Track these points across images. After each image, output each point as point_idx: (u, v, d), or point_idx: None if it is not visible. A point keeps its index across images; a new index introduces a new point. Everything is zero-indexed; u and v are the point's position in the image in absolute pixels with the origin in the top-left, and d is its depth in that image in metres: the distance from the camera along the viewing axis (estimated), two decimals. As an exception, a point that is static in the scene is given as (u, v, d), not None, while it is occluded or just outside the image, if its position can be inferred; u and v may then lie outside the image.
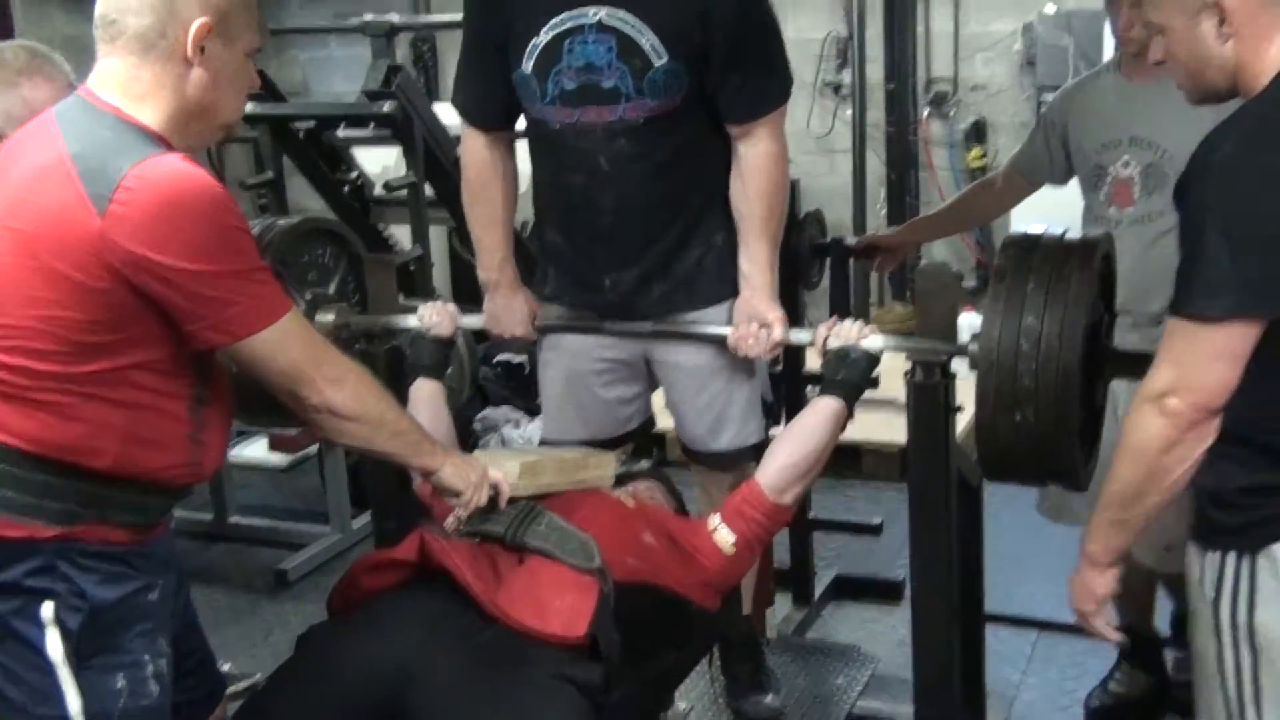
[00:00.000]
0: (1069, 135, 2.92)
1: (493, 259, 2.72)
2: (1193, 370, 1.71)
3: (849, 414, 2.44)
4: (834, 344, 2.42)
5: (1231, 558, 1.82)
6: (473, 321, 2.76)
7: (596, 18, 2.38)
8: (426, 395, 2.66)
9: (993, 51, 6.13)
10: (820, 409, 2.42)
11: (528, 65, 2.45)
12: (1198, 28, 1.79)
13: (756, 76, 2.46)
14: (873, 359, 2.41)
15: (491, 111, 2.63)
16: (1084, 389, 2.05)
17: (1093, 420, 2.19)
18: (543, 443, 2.91)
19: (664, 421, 2.94)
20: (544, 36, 2.42)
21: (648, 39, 2.37)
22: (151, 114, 1.81)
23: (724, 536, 2.36)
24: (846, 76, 6.26)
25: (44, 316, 1.72)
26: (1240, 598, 1.82)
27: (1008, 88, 6.13)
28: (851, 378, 2.40)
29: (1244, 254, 1.66)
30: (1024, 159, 3.06)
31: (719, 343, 2.60)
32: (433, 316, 2.68)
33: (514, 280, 2.73)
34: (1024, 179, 3.09)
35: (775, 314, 2.54)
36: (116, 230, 1.68)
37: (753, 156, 2.51)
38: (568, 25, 2.40)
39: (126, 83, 1.81)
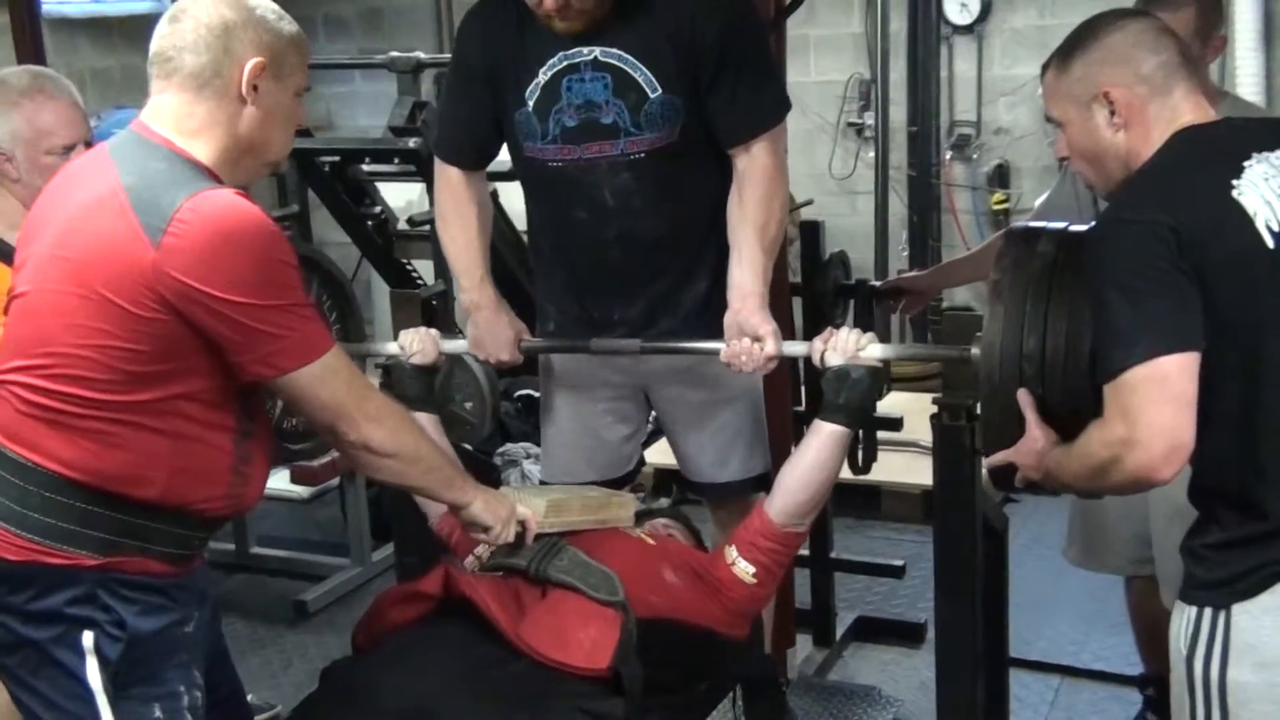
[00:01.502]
0: None
1: (471, 279, 2.65)
2: (1141, 419, 1.69)
3: (856, 434, 2.37)
4: (832, 359, 2.32)
5: (1207, 613, 1.80)
6: (455, 346, 2.67)
7: (591, 55, 2.43)
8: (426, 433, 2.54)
9: (1016, 95, 6.15)
10: (824, 437, 2.34)
11: (529, 104, 2.49)
12: (1091, 119, 1.91)
13: (747, 98, 2.47)
14: (876, 374, 2.32)
15: (471, 151, 2.65)
16: (1095, 404, 1.93)
17: None
18: (543, 484, 2.88)
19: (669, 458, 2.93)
20: (543, 76, 2.46)
21: (641, 73, 2.42)
22: (204, 149, 1.84)
23: (744, 568, 2.35)
24: (869, 118, 6.29)
25: (94, 345, 1.74)
26: (1214, 655, 1.79)
27: (1031, 131, 6.13)
28: (854, 400, 2.30)
29: (1142, 301, 1.72)
30: (1052, 205, 3.06)
31: (717, 368, 2.55)
32: (415, 343, 2.58)
33: (496, 301, 2.65)
34: None
35: (768, 327, 2.43)
36: (169, 262, 1.70)
37: (750, 169, 2.49)
38: (564, 64, 2.45)
39: (180, 118, 1.84)
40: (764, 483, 2.68)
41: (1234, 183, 1.77)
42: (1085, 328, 1.90)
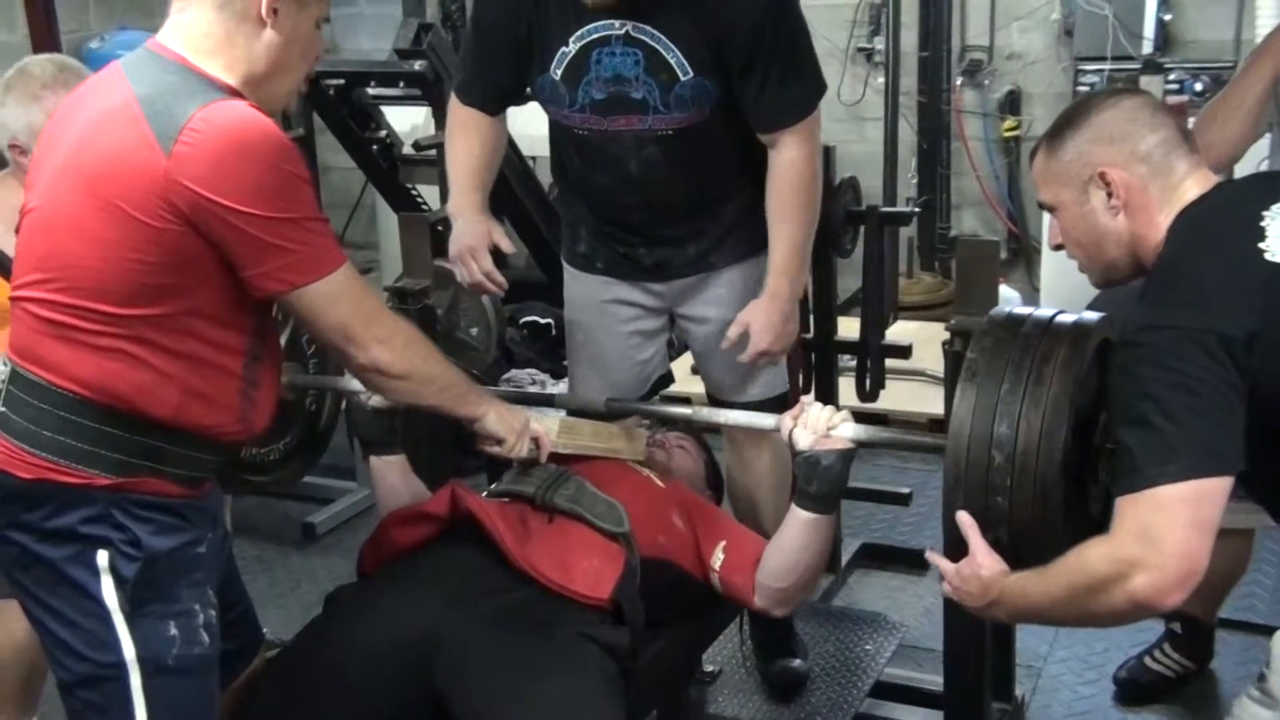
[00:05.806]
0: None
1: (464, 191, 2.63)
2: (1160, 542, 1.58)
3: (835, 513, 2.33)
4: (800, 439, 2.20)
5: None
6: None
7: (624, 30, 2.39)
8: (396, 474, 2.44)
9: (1030, 20, 6.05)
10: (801, 524, 2.25)
11: (556, 73, 2.46)
12: (1087, 202, 1.84)
13: (775, 91, 2.44)
14: (847, 458, 2.19)
15: (492, 102, 2.66)
16: (1071, 502, 1.84)
17: (1092, 529, 1.84)
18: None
19: (689, 386, 2.93)
20: (572, 46, 2.43)
21: (674, 55, 2.39)
22: (219, 70, 1.82)
23: (715, 580, 2.37)
24: (879, 43, 6.19)
25: (107, 257, 1.73)
26: None
27: (1044, 57, 6.04)
28: (824, 489, 2.20)
29: (1182, 416, 1.61)
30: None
31: (740, 291, 2.62)
32: None
33: (482, 205, 2.63)
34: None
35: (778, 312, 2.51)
36: (181, 171, 1.70)
37: (778, 162, 2.52)
38: (594, 36, 2.41)
39: (198, 38, 1.83)
40: (784, 402, 2.70)
41: (1261, 246, 1.69)
42: (1062, 421, 1.79)
